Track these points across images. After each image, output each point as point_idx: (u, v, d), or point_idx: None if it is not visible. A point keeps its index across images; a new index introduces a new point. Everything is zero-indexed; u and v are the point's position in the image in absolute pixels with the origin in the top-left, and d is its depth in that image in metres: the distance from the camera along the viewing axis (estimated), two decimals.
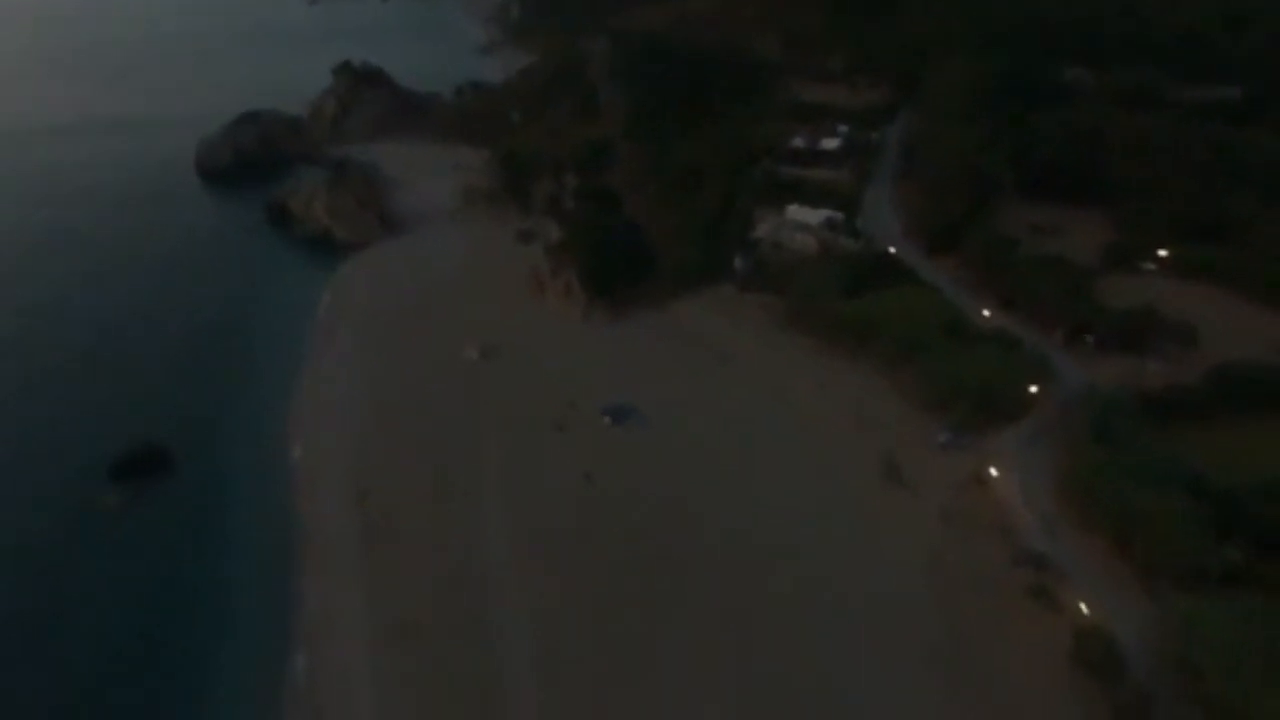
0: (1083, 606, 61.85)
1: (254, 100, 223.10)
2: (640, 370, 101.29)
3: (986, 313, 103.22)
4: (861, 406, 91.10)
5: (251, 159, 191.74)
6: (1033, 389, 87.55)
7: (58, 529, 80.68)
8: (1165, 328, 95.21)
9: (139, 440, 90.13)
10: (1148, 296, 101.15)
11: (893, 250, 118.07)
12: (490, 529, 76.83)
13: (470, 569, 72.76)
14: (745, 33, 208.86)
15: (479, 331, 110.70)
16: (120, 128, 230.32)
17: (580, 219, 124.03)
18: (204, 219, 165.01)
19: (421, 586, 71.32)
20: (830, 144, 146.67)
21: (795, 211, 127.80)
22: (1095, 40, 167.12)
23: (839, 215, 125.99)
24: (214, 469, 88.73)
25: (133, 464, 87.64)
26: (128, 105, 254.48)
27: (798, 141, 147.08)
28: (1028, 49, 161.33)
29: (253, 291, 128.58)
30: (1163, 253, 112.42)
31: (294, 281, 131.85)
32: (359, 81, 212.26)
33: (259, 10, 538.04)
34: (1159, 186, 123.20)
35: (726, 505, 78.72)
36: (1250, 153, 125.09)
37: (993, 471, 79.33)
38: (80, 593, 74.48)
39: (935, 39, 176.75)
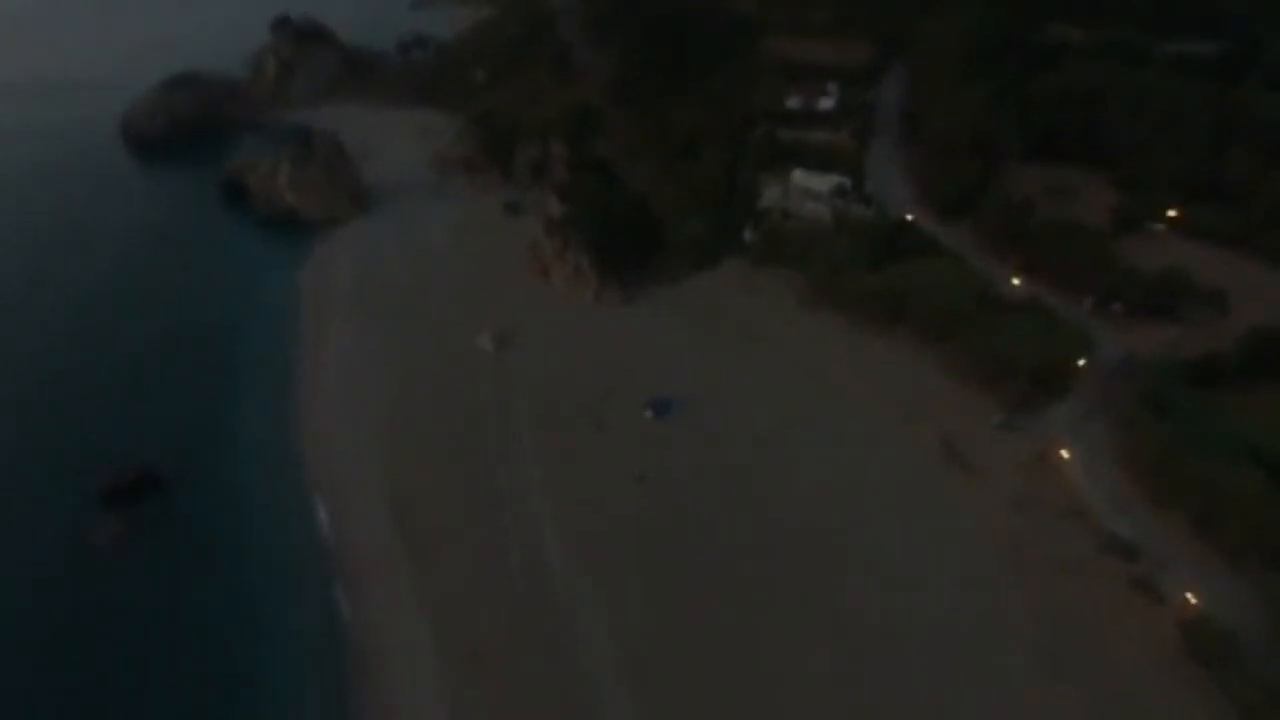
0: (1189, 596, 60.86)
1: (181, 59, 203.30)
2: (668, 355, 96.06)
3: (1016, 281, 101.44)
4: (906, 386, 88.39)
5: (188, 126, 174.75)
6: (1080, 362, 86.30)
7: (49, 570, 71.16)
8: (1195, 293, 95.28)
9: (126, 464, 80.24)
10: (1163, 259, 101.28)
11: (910, 218, 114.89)
12: (547, 541, 71.39)
13: (535, 586, 67.45)
14: None
15: (487, 319, 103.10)
16: (27, 91, 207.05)
17: (581, 192, 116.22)
18: (146, 198, 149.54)
19: (485, 609, 65.82)
20: (827, 105, 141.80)
21: (801, 178, 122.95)
22: None
23: (847, 181, 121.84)
24: (216, 489, 79.92)
25: (122, 491, 78.08)
26: (36, 65, 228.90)
27: (793, 102, 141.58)
28: (1009, 7, 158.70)
29: (222, 282, 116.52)
30: (1171, 213, 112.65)
31: (266, 268, 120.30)
32: (301, 39, 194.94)
33: None
34: (1159, 146, 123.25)
35: (790, 499, 75.19)
36: (1245, 110, 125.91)
37: (1055, 451, 77.91)
38: (78, 650, 65.59)
39: None
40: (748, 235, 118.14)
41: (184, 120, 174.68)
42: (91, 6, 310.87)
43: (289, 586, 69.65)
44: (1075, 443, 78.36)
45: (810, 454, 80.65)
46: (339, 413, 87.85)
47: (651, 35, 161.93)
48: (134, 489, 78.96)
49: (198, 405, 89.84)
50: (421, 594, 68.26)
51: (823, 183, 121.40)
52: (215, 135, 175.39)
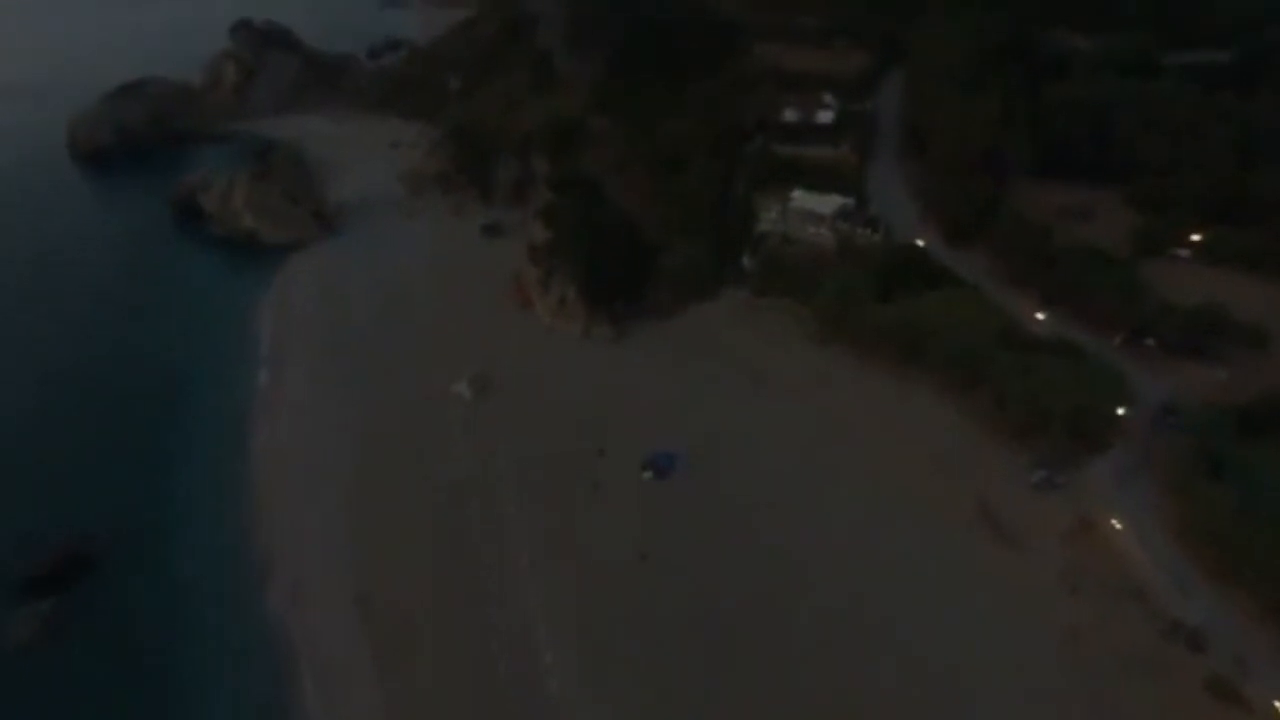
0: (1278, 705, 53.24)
1: (133, 65, 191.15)
2: (666, 400, 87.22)
3: (1040, 315, 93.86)
4: (930, 435, 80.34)
5: (139, 139, 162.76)
6: (1119, 411, 78.72)
7: None
8: (1233, 327, 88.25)
9: (51, 543, 69.74)
10: (1192, 288, 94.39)
11: (920, 243, 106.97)
12: (538, 636, 62.13)
13: (523, 689, 58.20)
14: None
15: (465, 359, 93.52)
16: None
17: (566, 216, 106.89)
18: (91, 217, 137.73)
19: (464, 717, 56.35)
20: (825, 117, 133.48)
21: (802, 199, 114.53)
22: (1081, 3, 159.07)
23: (851, 202, 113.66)
24: (153, 570, 69.58)
25: (45, 577, 67.58)
26: None
27: (790, 115, 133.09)
28: (1011, 11, 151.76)
29: (170, 318, 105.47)
30: (1196, 238, 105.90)
31: (220, 299, 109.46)
32: (262, 44, 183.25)
33: None
34: (1178, 163, 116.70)
35: (812, 576, 66.71)
36: (1266, 123, 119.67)
37: (1103, 517, 70.16)
38: None
39: None
40: (746, 262, 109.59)
41: (134, 131, 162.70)
42: (41, 7, 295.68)
43: (235, 688, 59.83)
44: (1123, 507, 70.66)
45: (831, 519, 72.24)
46: (297, 477, 77.75)
47: (637, 41, 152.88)
48: (59, 573, 68.52)
49: (135, 470, 79.13)
50: (391, 697, 58.84)
51: (825, 204, 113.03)
52: (168, 148, 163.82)
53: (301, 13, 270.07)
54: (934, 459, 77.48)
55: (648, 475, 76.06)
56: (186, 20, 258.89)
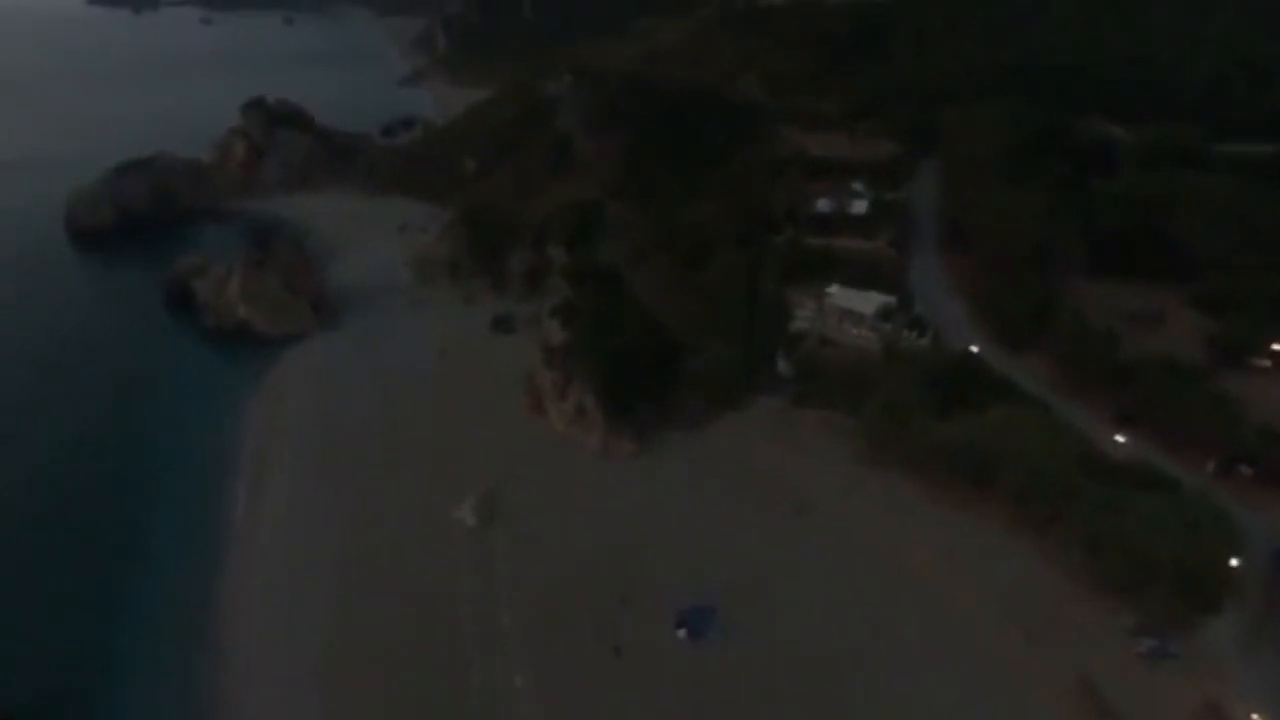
0: None
1: (143, 141, 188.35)
2: (697, 533, 76.15)
3: (1119, 438, 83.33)
4: (1008, 585, 68.89)
5: (140, 218, 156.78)
6: (1233, 562, 67.33)
7: None
8: None
9: None
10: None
11: (975, 349, 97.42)
12: None
13: None
14: (722, 73, 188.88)
15: (470, 476, 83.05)
16: None
17: (583, 313, 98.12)
18: (78, 299, 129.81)
19: None
20: (859, 207, 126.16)
21: (839, 296, 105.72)
22: (1114, 91, 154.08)
23: (893, 300, 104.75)
24: None
25: None
26: None
27: (823, 204, 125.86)
28: (1045, 98, 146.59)
29: (145, 420, 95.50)
30: (1277, 346, 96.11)
31: (203, 400, 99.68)
32: (273, 121, 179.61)
33: (144, 32, 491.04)
34: (1241, 260, 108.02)
35: None
36: None
37: (1232, 700, 58.13)
38: None
39: (942, 84, 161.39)
40: (781, 365, 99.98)
41: (135, 210, 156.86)
42: (58, 82, 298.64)
43: None
44: (1254, 686, 58.72)
45: (899, 692, 60.21)
46: (271, 629, 66.23)
47: (657, 124, 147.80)
48: None
49: (85, 610, 67.83)
50: None
51: (865, 302, 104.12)
52: (170, 227, 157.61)
53: (319, 90, 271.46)
54: (1015, 615, 65.87)
55: (681, 634, 64.44)
56: (203, 97, 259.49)
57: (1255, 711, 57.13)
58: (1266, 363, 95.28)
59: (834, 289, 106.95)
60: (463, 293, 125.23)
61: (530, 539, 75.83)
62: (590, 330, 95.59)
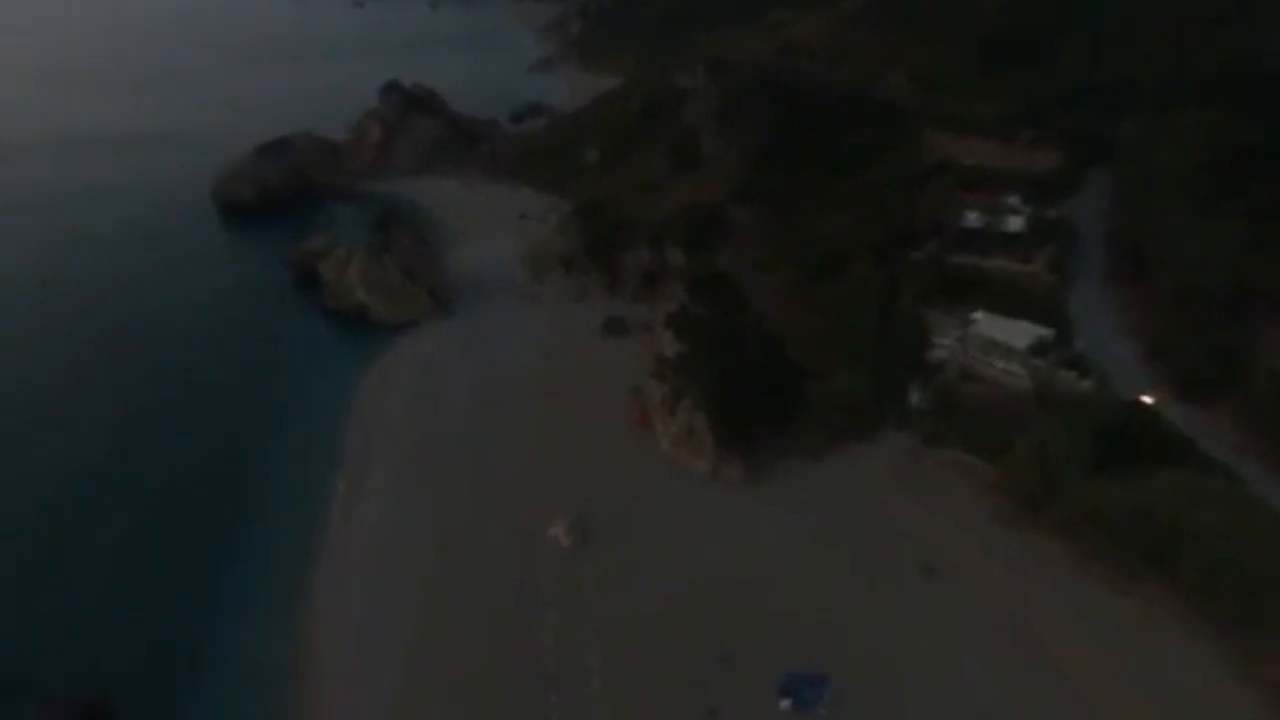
0: None
1: (288, 118, 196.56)
2: (811, 585, 68.58)
3: None
4: (1187, 694, 57.63)
5: (277, 195, 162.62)
6: None
7: None
8: None
9: (70, 693, 58.80)
10: None
11: (1147, 399, 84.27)
12: None
13: None
14: (865, 69, 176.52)
15: (567, 490, 78.70)
16: (134, 145, 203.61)
17: (700, 326, 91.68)
18: (216, 271, 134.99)
19: None
20: (1014, 224, 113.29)
21: (986, 324, 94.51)
22: None
23: (1049, 334, 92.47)
24: None
25: None
26: (146, 120, 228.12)
27: (972, 219, 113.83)
28: (1249, 111, 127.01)
29: (259, 402, 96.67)
30: None
31: (316, 384, 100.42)
32: (408, 105, 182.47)
33: (300, 15, 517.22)
34: None
35: None
36: None
37: None
38: None
39: (1120, 89, 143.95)
40: (915, 398, 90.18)
41: (273, 189, 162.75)
42: (215, 64, 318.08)
43: None
44: None
45: None
46: (353, 635, 64.09)
47: (790, 123, 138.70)
48: None
49: (177, 599, 68.02)
50: None
51: (1016, 333, 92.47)
52: (303, 206, 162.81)
53: (454, 74, 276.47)
54: None
55: (785, 705, 57.37)
56: (348, 78, 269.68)
57: None
58: None
59: (980, 316, 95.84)
60: (575, 290, 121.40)
61: (625, 568, 70.52)
62: (705, 343, 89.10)
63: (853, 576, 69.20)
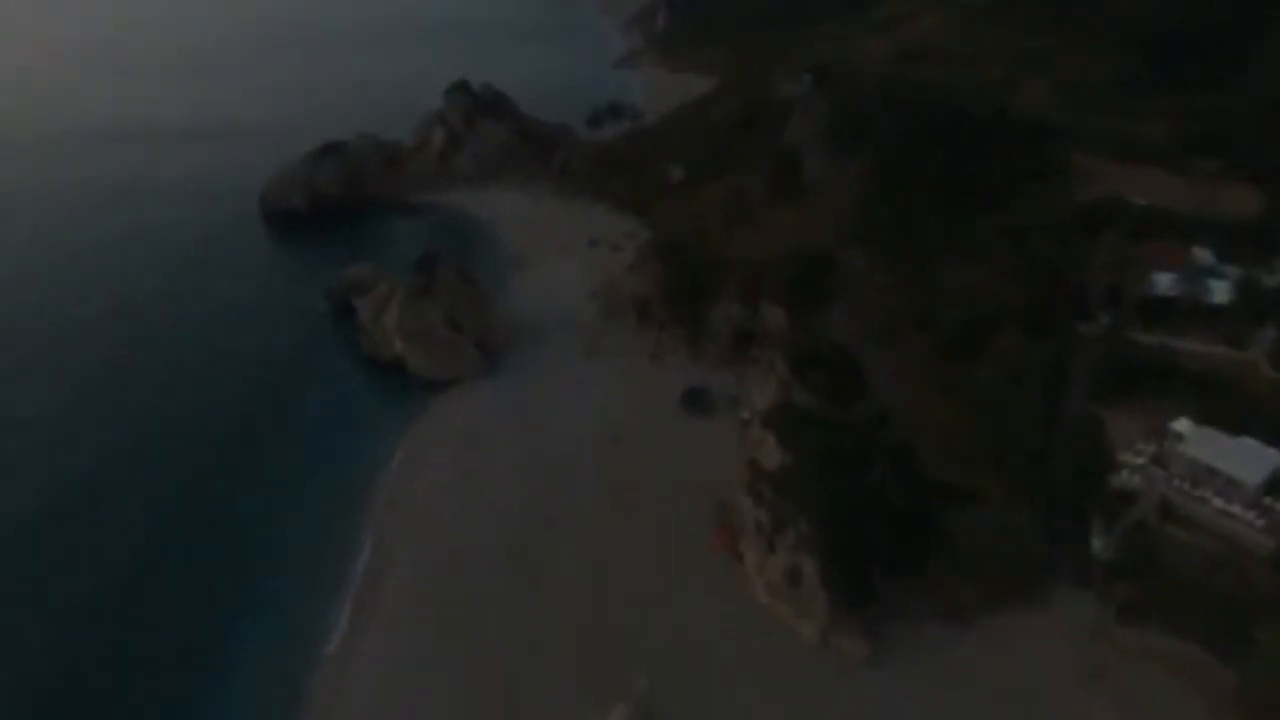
0: None
1: (350, 114, 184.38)
2: None
3: None
4: None
5: (330, 204, 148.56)
6: None
7: None
8: None
9: None
10: None
11: None
12: None
13: None
14: (998, 76, 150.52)
15: (625, 651, 59.64)
16: (182, 140, 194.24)
17: (812, 433, 70.67)
18: (247, 297, 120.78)
19: None
20: (1219, 291, 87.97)
21: (1196, 440, 70.48)
22: None
23: None
24: None
25: None
26: (195, 112, 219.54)
27: (1162, 282, 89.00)
28: None
29: (262, 473, 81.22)
30: None
31: (334, 453, 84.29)
32: (475, 108, 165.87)
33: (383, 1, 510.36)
34: None
35: None
36: None
37: None
38: None
39: None
40: (1097, 544, 67.26)
41: (325, 196, 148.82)
42: (269, 47, 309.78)
43: None
44: None
45: None
46: None
47: (916, 145, 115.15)
48: None
49: None
50: None
51: (1241, 459, 68.17)
52: (358, 217, 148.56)
53: (528, 68, 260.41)
54: None
55: None
56: (416, 69, 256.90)
57: None
58: None
59: (1184, 425, 71.93)
60: (650, 344, 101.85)
61: None
62: (817, 454, 68.21)
63: None
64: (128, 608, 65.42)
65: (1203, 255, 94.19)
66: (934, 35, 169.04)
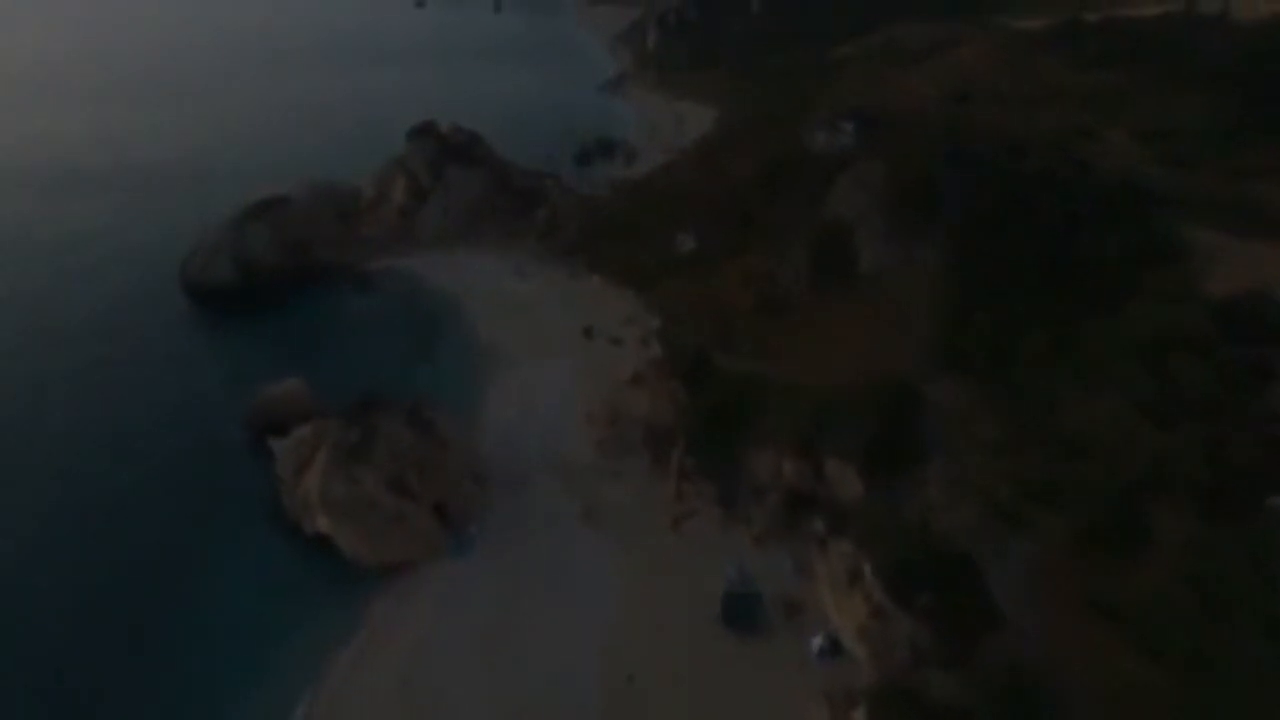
0: None
1: (310, 145, 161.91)
2: None
3: None
4: None
5: (264, 275, 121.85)
6: None
7: None
8: None
9: None
10: None
11: None
12: None
13: None
14: (1066, 126, 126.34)
15: None
16: (102, 185, 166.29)
17: (914, 702, 45.65)
18: (152, 412, 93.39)
19: None
20: None
21: None
22: None
23: None
24: None
25: None
26: (126, 149, 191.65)
27: None
28: None
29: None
30: None
31: (218, 705, 57.35)
32: (443, 154, 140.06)
33: (358, 16, 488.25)
34: None
35: None
36: None
37: None
38: None
39: None
40: None
41: (258, 266, 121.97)
42: (243, 67, 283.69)
43: None
44: None
45: None
46: None
47: (1002, 223, 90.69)
48: None
49: None
50: None
51: None
52: (298, 289, 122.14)
53: (509, 94, 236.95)
54: None
55: None
56: (387, 92, 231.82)
57: None
58: None
59: None
60: (669, 499, 76.08)
61: None
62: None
63: None
64: None
65: None
66: (979, 69, 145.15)
